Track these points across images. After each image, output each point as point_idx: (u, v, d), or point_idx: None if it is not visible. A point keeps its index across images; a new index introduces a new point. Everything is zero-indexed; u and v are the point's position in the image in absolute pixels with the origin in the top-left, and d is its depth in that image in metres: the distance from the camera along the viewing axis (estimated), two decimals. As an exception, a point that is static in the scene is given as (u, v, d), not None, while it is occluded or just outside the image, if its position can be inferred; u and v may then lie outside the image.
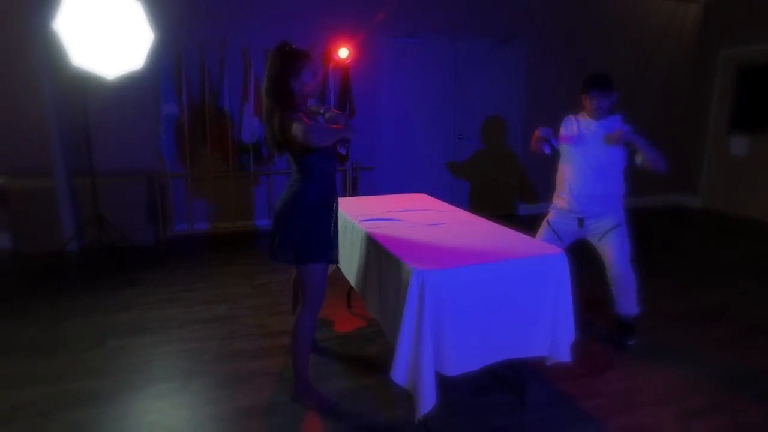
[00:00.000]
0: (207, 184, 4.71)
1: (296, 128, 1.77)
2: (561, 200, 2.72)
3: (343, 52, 4.53)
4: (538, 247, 2.00)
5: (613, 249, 2.58)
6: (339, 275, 2.76)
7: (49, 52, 3.82)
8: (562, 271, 1.91)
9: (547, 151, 2.62)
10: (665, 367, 2.45)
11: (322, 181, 1.96)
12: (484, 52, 5.41)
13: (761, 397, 2.20)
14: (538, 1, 5.52)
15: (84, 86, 3.51)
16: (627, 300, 2.65)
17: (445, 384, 2.17)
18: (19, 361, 2.43)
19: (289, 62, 1.84)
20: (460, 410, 2.08)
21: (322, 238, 1.95)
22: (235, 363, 2.44)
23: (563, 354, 1.94)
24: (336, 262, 2.09)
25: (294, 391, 2.08)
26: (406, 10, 5.03)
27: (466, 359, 1.78)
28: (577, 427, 1.98)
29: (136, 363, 2.43)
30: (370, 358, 2.50)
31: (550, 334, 1.93)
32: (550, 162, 2.83)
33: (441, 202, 2.96)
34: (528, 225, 2.88)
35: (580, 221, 2.65)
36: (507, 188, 5.88)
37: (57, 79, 3.97)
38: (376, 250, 2.07)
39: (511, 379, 2.26)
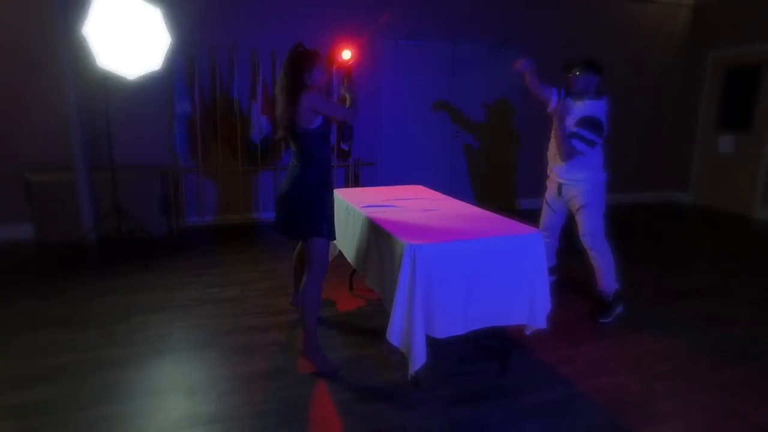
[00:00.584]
0: (217, 178, 4.98)
1: (322, 105, 2.16)
2: (549, 168, 3.06)
3: (347, 54, 4.79)
4: (518, 228, 2.25)
5: (582, 224, 2.89)
6: (342, 261, 3.02)
7: (73, 55, 4.09)
8: (539, 249, 2.16)
9: (553, 97, 2.92)
10: (638, 339, 2.70)
11: (320, 165, 2.25)
12: (481, 54, 5.65)
13: (721, 364, 2.44)
14: (533, 5, 5.77)
15: (105, 86, 3.78)
16: (605, 277, 2.91)
17: (435, 351, 2.43)
18: (55, 333, 2.69)
19: (303, 60, 2.12)
20: (448, 373, 2.33)
21: (323, 216, 2.24)
22: (247, 335, 2.69)
23: (540, 322, 2.20)
24: (334, 237, 2.37)
25: (304, 349, 2.34)
26: (406, 13, 5.29)
27: (453, 324, 2.03)
28: (551, 388, 2.23)
29: (158, 335, 2.69)
30: (369, 332, 2.75)
31: (528, 304, 2.18)
32: (546, 158, 3.09)
33: (436, 192, 3.22)
34: (527, 219, 3.13)
35: (559, 188, 2.96)
36: (506, 184, 6.13)
37: (80, 80, 4.25)
38: (374, 230, 2.32)
39: (495, 349, 2.51)
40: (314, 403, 2.10)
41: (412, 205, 2.75)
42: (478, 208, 2.69)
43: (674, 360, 2.49)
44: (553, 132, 2.92)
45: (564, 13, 5.92)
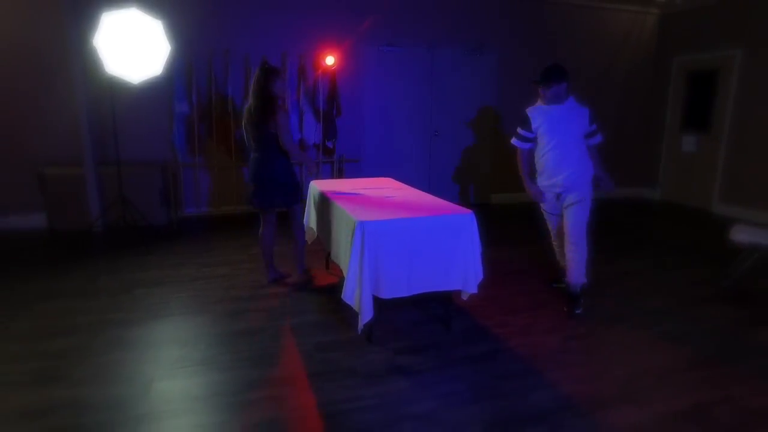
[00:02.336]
0: (212, 173, 5.45)
1: (284, 126, 2.92)
2: (544, 181, 3.12)
3: (330, 60, 5.25)
4: (454, 210, 2.70)
5: (571, 219, 3.02)
6: (320, 246, 3.48)
7: (84, 62, 4.57)
8: (471, 227, 2.61)
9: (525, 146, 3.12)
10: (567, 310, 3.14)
11: (286, 154, 3.00)
12: (458, 59, 6.10)
13: (632, 327, 2.89)
14: (507, 12, 6.22)
15: (111, 89, 4.24)
16: (577, 269, 3.03)
17: (390, 315, 2.90)
18: (70, 301, 3.16)
19: (268, 75, 2.64)
20: (398, 332, 2.78)
21: (297, 186, 3.00)
22: (233, 304, 3.15)
23: (472, 288, 2.65)
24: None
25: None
26: (387, 21, 5.74)
27: (397, 287, 2.48)
28: (482, 343, 2.68)
29: (157, 303, 3.15)
30: (337, 300, 3.15)
31: (463, 273, 2.63)
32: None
33: (401, 183, 3.67)
34: (500, 213, 3.56)
35: (558, 195, 3.10)
36: (480, 180, 6.57)
37: (90, 84, 4.72)
38: (337, 212, 2.78)
39: (441, 314, 2.97)
40: (283, 352, 2.56)
41: (376, 193, 3.21)
42: (431, 196, 3.14)
43: (594, 325, 2.94)
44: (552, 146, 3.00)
45: (537, 20, 6.36)
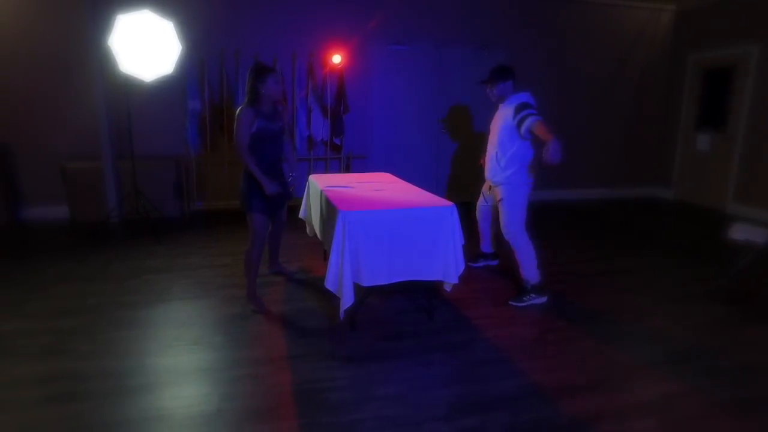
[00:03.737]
0: (223, 168, 5.67)
1: (235, 123, 2.76)
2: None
3: (337, 59, 5.40)
4: (436, 202, 2.79)
5: (501, 217, 3.19)
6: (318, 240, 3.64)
7: (101, 62, 4.85)
8: (452, 219, 2.70)
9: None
10: (554, 304, 3.19)
11: (259, 159, 2.83)
12: (465, 57, 6.15)
13: (610, 323, 2.93)
14: (516, 10, 6.22)
15: (127, 87, 4.49)
16: (523, 268, 3.14)
17: (376, 305, 3.01)
18: (82, 285, 3.40)
19: (259, 73, 2.74)
20: (382, 320, 2.90)
21: (257, 195, 2.88)
22: (231, 290, 3.33)
23: (453, 278, 2.74)
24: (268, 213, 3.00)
25: (246, 294, 3.07)
26: (394, 20, 5.85)
27: (377, 275, 2.60)
28: (461, 333, 2.77)
29: (162, 288, 3.36)
30: (327, 291, 3.33)
31: (443, 263, 2.72)
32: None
33: (396, 177, 3.78)
34: None
35: (490, 186, 3.45)
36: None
37: (107, 83, 5.00)
38: (327, 203, 2.92)
39: (424, 304, 3.07)
40: (269, 335, 2.71)
41: (368, 186, 3.33)
42: (420, 189, 3.24)
43: (575, 319, 2.98)
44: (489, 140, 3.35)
45: (547, 17, 6.34)
